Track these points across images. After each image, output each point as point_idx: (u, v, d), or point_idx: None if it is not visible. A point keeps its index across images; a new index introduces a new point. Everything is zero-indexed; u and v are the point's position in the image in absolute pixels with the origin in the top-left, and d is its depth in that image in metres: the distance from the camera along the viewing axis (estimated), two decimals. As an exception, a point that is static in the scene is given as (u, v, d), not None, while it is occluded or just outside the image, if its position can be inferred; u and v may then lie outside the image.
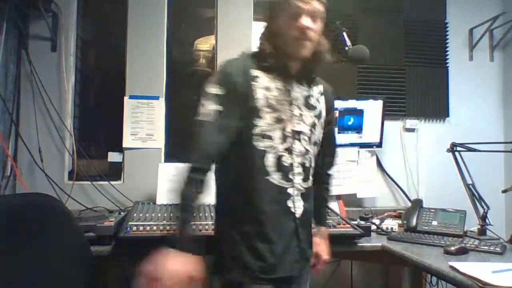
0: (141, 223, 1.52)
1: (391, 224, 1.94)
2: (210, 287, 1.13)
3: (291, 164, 1.14)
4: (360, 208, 2.23)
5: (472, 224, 1.87)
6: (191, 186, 1.03)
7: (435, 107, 2.47)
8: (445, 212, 1.88)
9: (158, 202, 1.88)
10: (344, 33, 1.94)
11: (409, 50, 2.45)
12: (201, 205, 1.62)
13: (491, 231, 1.81)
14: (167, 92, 2.20)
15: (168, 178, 1.91)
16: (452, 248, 1.48)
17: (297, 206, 1.15)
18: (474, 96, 2.52)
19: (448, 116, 2.49)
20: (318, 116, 1.24)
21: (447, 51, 2.50)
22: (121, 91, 2.15)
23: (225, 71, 1.15)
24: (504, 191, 1.91)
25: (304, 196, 1.17)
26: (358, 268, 2.31)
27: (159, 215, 1.63)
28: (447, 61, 2.50)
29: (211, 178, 1.10)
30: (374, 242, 1.70)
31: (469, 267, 1.23)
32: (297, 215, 1.15)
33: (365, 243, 1.65)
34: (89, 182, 2.06)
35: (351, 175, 2.19)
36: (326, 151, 1.37)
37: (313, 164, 1.22)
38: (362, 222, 1.85)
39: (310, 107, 1.21)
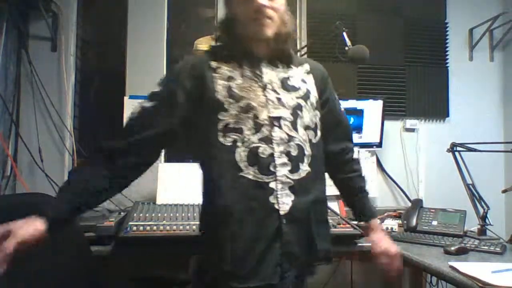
0: (141, 223, 1.51)
1: (391, 224, 1.94)
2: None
3: (271, 155, 1.02)
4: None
5: (472, 224, 1.86)
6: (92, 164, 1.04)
7: (435, 107, 2.47)
8: (445, 212, 1.88)
9: (158, 202, 1.88)
10: (344, 33, 1.94)
11: (409, 50, 2.46)
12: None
13: (491, 231, 1.81)
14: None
15: (168, 178, 1.92)
16: (452, 248, 1.48)
17: (283, 202, 1.01)
18: (474, 96, 2.52)
19: (448, 116, 2.49)
20: (305, 97, 1.11)
21: (447, 51, 2.50)
22: (121, 91, 2.15)
23: (173, 70, 1.12)
24: (504, 191, 1.91)
25: (294, 189, 1.03)
26: (358, 268, 2.31)
27: (159, 215, 1.62)
28: (447, 61, 2.50)
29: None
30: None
31: (469, 267, 1.23)
32: (282, 212, 1.01)
33: (365, 243, 1.65)
34: (89, 182, 2.05)
35: (351, 175, 2.19)
36: (338, 136, 1.24)
37: (307, 152, 1.08)
38: (362, 222, 1.85)
39: (291, 88, 1.10)
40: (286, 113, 1.06)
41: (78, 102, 2.26)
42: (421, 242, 1.66)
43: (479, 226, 1.81)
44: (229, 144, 1.02)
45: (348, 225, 1.66)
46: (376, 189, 2.29)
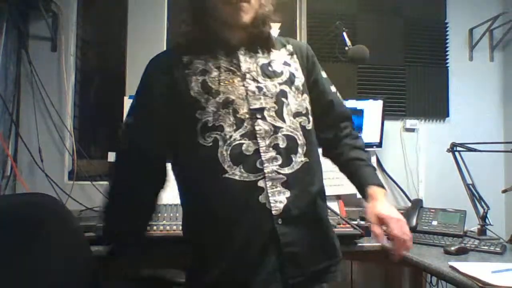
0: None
1: (391, 224, 1.93)
2: None
3: (257, 151, 0.92)
4: (360, 208, 2.22)
5: (472, 224, 1.86)
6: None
7: (435, 107, 2.47)
8: (445, 212, 1.88)
9: (158, 202, 1.87)
10: (344, 33, 1.95)
11: (409, 50, 2.45)
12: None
13: (491, 231, 1.81)
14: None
15: (168, 178, 1.91)
16: (452, 248, 1.48)
17: (275, 200, 0.91)
18: (474, 96, 2.52)
19: (448, 116, 2.49)
20: (289, 82, 1.01)
21: (447, 51, 2.50)
22: (121, 91, 2.15)
23: (145, 72, 1.05)
24: (504, 191, 1.91)
25: (288, 184, 0.93)
26: (358, 268, 2.31)
27: (159, 215, 1.62)
28: (447, 61, 2.50)
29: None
30: (374, 242, 1.69)
31: (469, 267, 1.23)
32: (275, 212, 0.91)
33: (365, 243, 1.65)
34: (89, 182, 2.05)
35: (351, 175, 2.18)
36: (331, 120, 1.13)
37: (300, 141, 0.98)
38: (362, 222, 1.84)
39: (272, 74, 1.00)
40: (269, 103, 0.96)
41: (78, 102, 2.26)
42: (421, 242, 1.66)
43: (479, 226, 1.81)
44: (209, 144, 0.93)
45: (348, 225, 1.66)
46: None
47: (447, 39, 2.51)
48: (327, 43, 2.21)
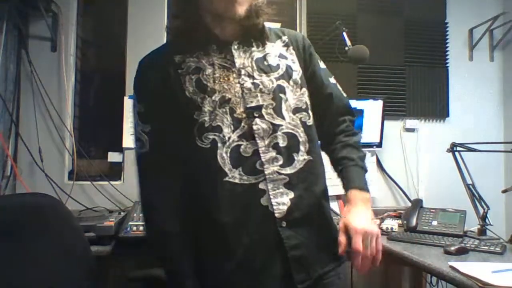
0: (141, 223, 1.52)
1: (391, 224, 1.94)
2: None
3: (256, 151, 0.88)
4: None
5: (472, 224, 1.86)
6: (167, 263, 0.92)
7: (435, 107, 2.47)
8: (445, 212, 1.88)
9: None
10: (344, 33, 1.95)
11: (409, 50, 2.45)
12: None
13: (491, 231, 1.81)
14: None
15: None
16: (452, 248, 1.48)
17: (278, 202, 0.87)
18: (474, 96, 2.52)
19: (448, 116, 2.49)
20: (286, 76, 0.96)
21: (447, 51, 2.50)
22: (121, 91, 2.15)
23: (140, 76, 0.97)
24: (504, 191, 1.91)
25: (291, 185, 0.89)
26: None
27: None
28: (447, 61, 2.50)
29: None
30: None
31: (469, 267, 1.23)
32: (278, 215, 0.87)
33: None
34: (89, 182, 2.05)
35: (351, 175, 2.19)
36: (332, 113, 1.07)
37: (301, 138, 0.94)
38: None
39: (268, 69, 0.95)
40: (266, 100, 0.92)
41: (78, 102, 2.26)
42: (421, 242, 1.66)
43: (479, 226, 1.81)
44: (207, 146, 0.89)
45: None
46: (376, 189, 2.29)
47: (447, 39, 2.51)
48: (327, 43, 2.21)
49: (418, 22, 2.47)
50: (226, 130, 0.89)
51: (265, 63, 0.96)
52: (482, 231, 1.79)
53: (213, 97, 0.90)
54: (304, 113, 0.97)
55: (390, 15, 2.45)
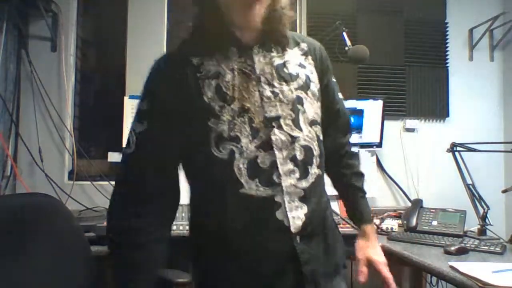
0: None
1: (391, 224, 1.94)
2: None
3: (273, 163, 0.86)
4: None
5: (472, 224, 1.87)
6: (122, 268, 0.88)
7: (435, 107, 2.47)
8: (445, 212, 1.88)
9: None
10: (344, 33, 1.95)
11: (409, 50, 2.45)
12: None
13: (491, 231, 1.81)
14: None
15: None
16: (452, 248, 1.48)
17: (294, 216, 0.86)
18: (474, 96, 2.52)
19: (448, 116, 2.49)
20: (305, 87, 0.94)
21: (447, 51, 2.50)
22: (121, 91, 2.15)
23: (151, 74, 0.94)
24: (504, 191, 1.91)
25: (305, 199, 0.88)
26: (358, 268, 2.30)
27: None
28: (447, 61, 2.50)
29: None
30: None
31: (469, 267, 1.23)
32: (294, 229, 0.85)
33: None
34: (89, 182, 2.05)
35: (351, 175, 2.19)
36: (339, 129, 1.09)
37: (316, 151, 0.92)
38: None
39: (288, 77, 0.92)
40: (285, 110, 0.89)
41: (78, 102, 2.26)
42: (421, 242, 1.66)
43: (479, 226, 1.81)
44: (225, 157, 0.85)
45: (348, 225, 1.66)
46: (376, 189, 2.29)
47: (447, 39, 2.51)
48: (327, 43, 2.21)
49: (418, 22, 2.47)
50: (244, 140, 0.86)
51: (285, 70, 0.93)
52: (482, 231, 1.79)
53: (232, 106, 0.86)
54: (319, 126, 0.96)
55: (390, 15, 2.45)
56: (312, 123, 0.93)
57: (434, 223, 1.85)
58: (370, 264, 1.08)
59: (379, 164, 2.37)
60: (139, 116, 0.92)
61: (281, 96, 0.89)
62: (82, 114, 2.28)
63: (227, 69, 0.89)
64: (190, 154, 0.91)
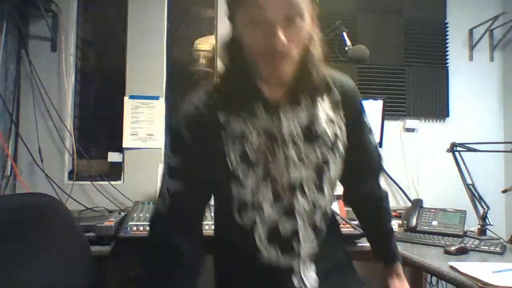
0: (141, 223, 1.51)
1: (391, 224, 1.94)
2: None
3: (294, 231, 0.86)
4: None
5: (472, 224, 1.86)
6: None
7: (435, 107, 2.47)
8: (445, 212, 1.88)
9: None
10: (344, 33, 1.95)
11: (409, 50, 2.45)
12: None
13: (491, 231, 1.81)
14: (167, 92, 2.20)
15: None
16: (452, 248, 1.48)
17: (307, 278, 0.87)
18: (474, 96, 2.52)
19: (448, 116, 2.49)
20: (332, 147, 0.89)
21: (447, 51, 2.50)
22: (121, 91, 2.15)
23: (179, 127, 0.89)
24: (504, 191, 1.91)
25: (318, 256, 0.90)
26: (358, 268, 2.30)
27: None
28: (447, 61, 2.50)
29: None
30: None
31: (469, 267, 1.23)
32: None
33: (365, 243, 1.64)
34: (89, 182, 2.05)
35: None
36: (373, 170, 1.07)
37: (329, 211, 0.93)
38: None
39: (315, 138, 0.87)
40: (309, 174, 0.86)
41: (78, 102, 2.26)
42: (421, 242, 1.66)
43: (479, 226, 1.81)
44: (247, 225, 0.85)
45: (348, 225, 1.66)
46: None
47: (447, 39, 2.51)
48: (327, 43, 2.19)
49: (418, 22, 2.47)
50: (267, 207, 0.85)
51: (312, 128, 0.87)
52: (482, 231, 1.79)
53: (256, 171, 0.84)
54: (336, 185, 0.94)
55: (390, 15, 2.45)
56: (333, 184, 0.92)
57: (434, 223, 1.85)
58: None
59: (379, 164, 2.37)
60: (170, 171, 0.90)
61: (305, 159, 0.86)
62: (82, 114, 2.28)
63: (252, 128, 0.84)
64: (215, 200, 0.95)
